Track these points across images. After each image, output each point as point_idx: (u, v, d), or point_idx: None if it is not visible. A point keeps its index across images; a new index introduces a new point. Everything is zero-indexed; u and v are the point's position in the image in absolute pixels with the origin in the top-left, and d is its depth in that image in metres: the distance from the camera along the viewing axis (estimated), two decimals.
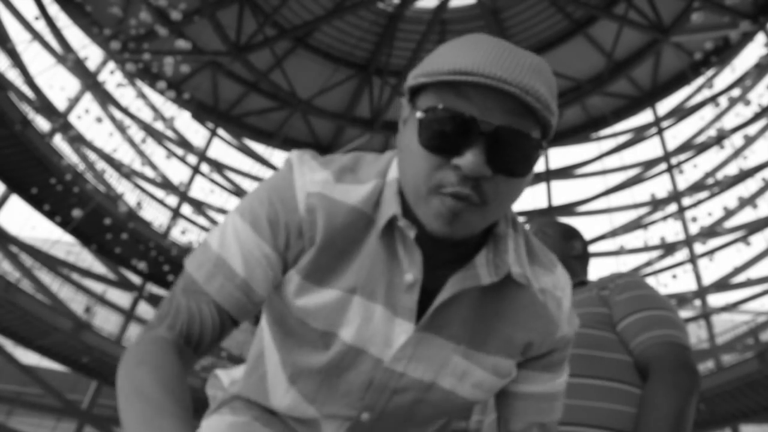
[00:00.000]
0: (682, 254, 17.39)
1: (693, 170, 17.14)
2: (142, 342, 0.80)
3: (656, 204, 17.80)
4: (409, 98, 0.81)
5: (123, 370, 0.76)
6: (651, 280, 16.90)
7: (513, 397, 0.98)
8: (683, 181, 17.38)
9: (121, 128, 17.61)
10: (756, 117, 15.14)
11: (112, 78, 17.07)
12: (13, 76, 14.45)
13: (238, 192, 20.40)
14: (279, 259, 0.87)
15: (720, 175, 16.31)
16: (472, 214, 0.76)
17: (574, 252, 1.89)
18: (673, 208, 17.56)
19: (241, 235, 0.86)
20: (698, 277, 16.87)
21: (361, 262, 0.87)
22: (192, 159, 19.85)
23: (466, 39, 0.79)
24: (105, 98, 17.20)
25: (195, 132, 20.11)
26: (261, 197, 0.88)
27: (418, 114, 0.76)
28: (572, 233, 1.94)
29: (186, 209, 19.55)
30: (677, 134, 18.20)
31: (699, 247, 16.83)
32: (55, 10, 15.36)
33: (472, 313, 0.88)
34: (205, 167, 20.19)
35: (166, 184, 19.19)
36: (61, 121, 15.39)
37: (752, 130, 15.30)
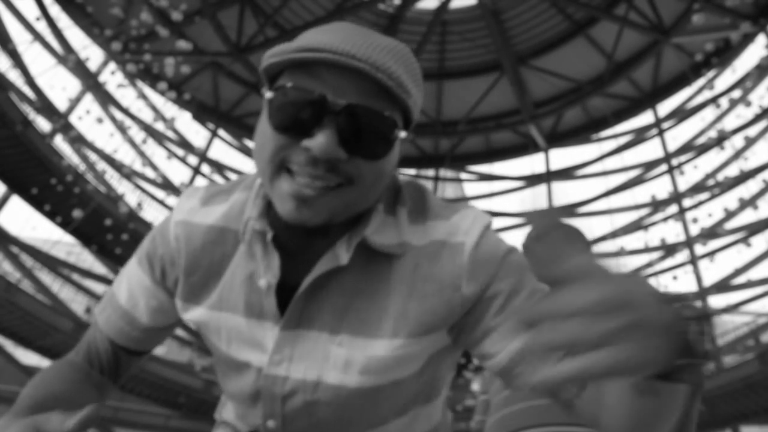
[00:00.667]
0: (682, 255, 17.37)
1: (694, 171, 17.10)
2: (55, 364, 0.97)
3: (657, 205, 17.78)
4: (266, 84, 0.79)
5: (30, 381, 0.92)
6: (651, 282, 16.85)
7: (510, 369, 0.79)
8: (684, 183, 17.36)
9: (122, 129, 17.61)
10: (757, 118, 15.12)
11: (112, 79, 17.06)
12: (14, 76, 14.45)
13: None
14: (159, 289, 0.95)
15: (721, 177, 16.29)
16: (329, 199, 0.73)
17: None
18: (673, 209, 17.54)
19: (129, 272, 0.98)
20: (699, 279, 16.85)
21: (226, 277, 0.88)
22: (193, 160, 19.85)
23: (327, 24, 0.78)
24: (106, 99, 17.19)
25: (196, 133, 20.13)
26: (149, 236, 0.97)
27: (268, 94, 0.74)
28: (573, 233, 1.93)
29: None
30: (678, 135, 18.23)
31: (700, 249, 16.81)
32: (56, 11, 15.36)
33: (348, 299, 0.83)
34: (205, 168, 20.18)
35: (166, 185, 19.19)
36: (61, 121, 15.38)
37: (753, 131, 15.28)
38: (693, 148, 17.39)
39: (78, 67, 15.83)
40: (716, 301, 16.87)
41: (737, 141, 15.67)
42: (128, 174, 17.82)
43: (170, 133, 19.10)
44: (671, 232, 17.68)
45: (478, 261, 0.81)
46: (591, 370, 0.46)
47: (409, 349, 0.82)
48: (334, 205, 0.73)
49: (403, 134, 0.75)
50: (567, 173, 19.88)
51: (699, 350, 0.57)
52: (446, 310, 0.81)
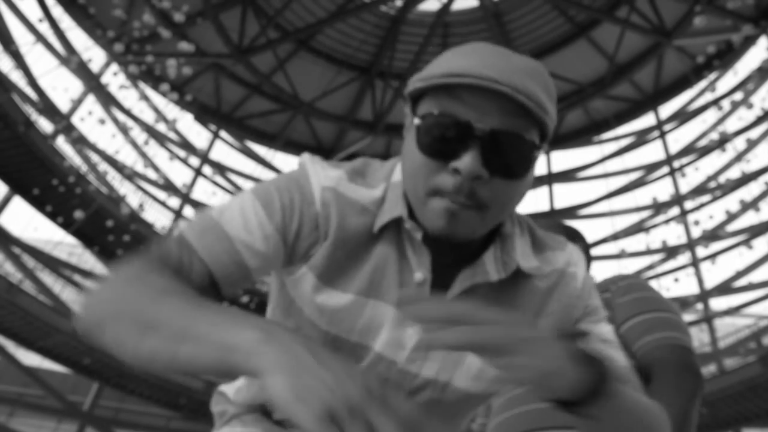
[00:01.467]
0: (684, 258, 17.35)
1: (695, 173, 17.09)
2: (135, 263, 0.77)
3: (658, 207, 17.77)
4: (410, 106, 0.83)
5: (119, 281, 0.74)
6: (653, 284, 16.86)
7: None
8: (685, 185, 17.36)
9: (124, 130, 17.63)
10: (758, 120, 15.12)
11: (115, 80, 17.09)
12: (17, 77, 14.48)
13: None
14: (280, 243, 0.85)
15: (722, 179, 16.29)
16: (471, 216, 0.77)
17: None
18: (675, 211, 17.53)
19: (247, 209, 0.85)
20: (700, 281, 16.83)
21: (373, 264, 0.87)
22: (194, 161, 19.86)
23: (464, 45, 0.82)
24: (108, 100, 17.22)
25: (197, 134, 20.16)
26: (279, 184, 0.87)
27: (416, 120, 0.79)
28: (574, 235, 1.94)
29: (188, 211, 19.55)
30: (679, 137, 18.15)
31: (701, 251, 16.80)
32: (58, 12, 15.40)
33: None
34: (207, 169, 20.20)
35: (168, 186, 19.21)
36: (63, 122, 15.41)
37: (755, 133, 15.29)
38: (694, 151, 17.39)
39: (80, 69, 15.86)
40: (718, 303, 16.84)
41: (739, 143, 15.68)
42: (130, 175, 17.84)
43: (172, 135, 19.12)
44: (673, 234, 17.68)
45: (585, 290, 0.94)
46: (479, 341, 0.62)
47: None
48: (475, 223, 0.78)
49: (539, 153, 0.80)
50: (568, 175, 19.89)
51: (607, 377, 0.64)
52: (565, 327, 0.93)
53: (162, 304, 0.66)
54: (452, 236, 0.78)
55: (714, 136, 15.96)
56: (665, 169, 18.01)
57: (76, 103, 16.29)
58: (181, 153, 19.51)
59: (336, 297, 0.88)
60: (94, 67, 16.58)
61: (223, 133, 20.23)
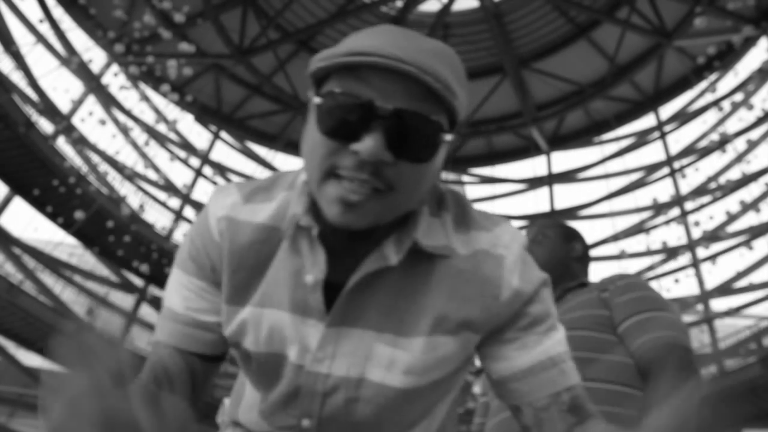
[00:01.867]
0: (684, 258, 17.34)
1: (695, 174, 17.09)
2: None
3: (659, 208, 17.77)
4: (313, 88, 0.80)
5: None
6: (653, 285, 16.86)
7: (507, 381, 0.86)
8: (686, 186, 17.35)
9: (125, 131, 17.64)
10: (759, 121, 15.12)
11: (115, 80, 17.11)
12: (18, 78, 14.50)
13: None
14: (211, 287, 0.91)
15: (723, 180, 16.29)
16: (376, 203, 0.74)
17: (574, 253, 1.89)
18: (675, 212, 17.53)
19: (177, 280, 0.93)
20: (701, 282, 16.83)
21: (271, 274, 0.87)
22: (195, 161, 19.87)
23: (372, 27, 0.79)
24: (108, 101, 17.23)
25: (198, 135, 20.15)
26: (186, 241, 0.92)
27: (317, 99, 0.75)
28: (573, 235, 1.93)
29: (188, 212, 19.56)
30: (680, 138, 18.13)
31: (701, 252, 16.78)
32: (59, 13, 15.41)
33: (392, 298, 0.84)
34: (207, 170, 20.21)
35: (168, 187, 19.22)
36: (64, 123, 15.42)
37: (755, 134, 15.29)
38: (695, 151, 17.39)
39: (81, 69, 15.88)
40: (718, 304, 16.83)
41: (739, 144, 15.68)
42: (130, 176, 17.85)
43: (172, 135, 19.13)
44: (673, 235, 17.66)
45: (518, 276, 0.85)
46: None
47: (447, 349, 0.85)
48: (378, 210, 0.75)
49: (448, 137, 0.76)
50: (569, 176, 19.88)
51: None
52: (484, 316, 0.85)
53: None
54: (349, 226, 0.75)
55: (714, 137, 15.96)
56: (666, 170, 18.01)
57: (77, 104, 16.30)
58: (182, 154, 19.53)
59: (239, 313, 0.89)
60: (95, 67, 16.60)
61: (223, 134, 20.24)
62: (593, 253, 19.13)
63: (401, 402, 0.87)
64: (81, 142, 16.11)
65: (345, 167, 0.73)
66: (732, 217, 15.91)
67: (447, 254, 0.84)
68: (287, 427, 0.92)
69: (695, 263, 17.00)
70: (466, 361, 0.92)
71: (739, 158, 15.90)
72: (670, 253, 17.48)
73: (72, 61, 15.11)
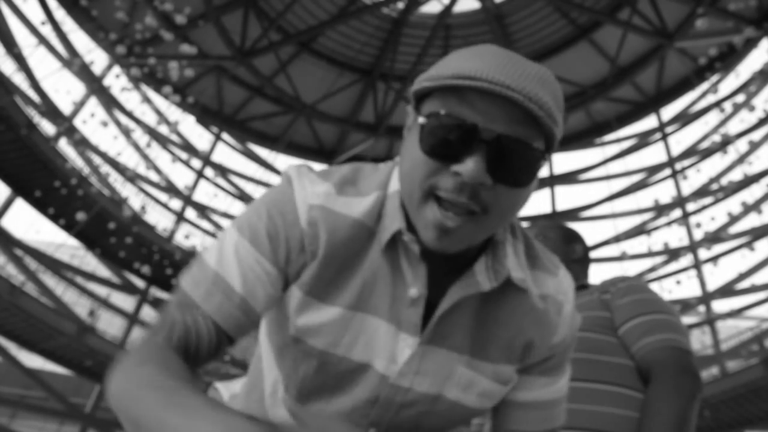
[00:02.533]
0: (686, 260, 17.33)
1: (697, 176, 17.08)
2: (140, 348, 0.76)
3: (660, 209, 17.76)
4: (414, 105, 0.80)
5: (123, 374, 0.71)
6: (655, 286, 16.84)
7: (512, 406, 0.94)
8: (687, 187, 17.34)
9: (126, 132, 17.66)
10: (760, 123, 15.11)
11: (117, 82, 17.13)
12: (19, 80, 14.52)
13: (242, 196, 20.42)
14: (279, 275, 0.84)
15: (724, 181, 16.27)
16: (471, 227, 0.75)
17: (574, 255, 1.89)
18: (677, 213, 17.52)
19: (240, 251, 0.84)
20: (702, 283, 16.81)
21: (364, 277, 0.85)
22: (196, 163, 19.89)
23: (474, 47, 0.79)
24: (110, 102, 17.25)
25: (199, 136, 20.19)
26: (260, 211, 0.85)
27: (420, 119, 0.76)
28: (573, 236, 1.94)
29: (190, 213, 19.58)
30: (681, 140, 18.11)
31: (703, 253, 16.77)
32: (61, 15, 15.44)
33: (473, 322, 0.87)
34: (209, 171, 20.23)
35: (170, 188, 19.23)
36: (66, 124, 15.45)
37: (757, 135, 15.27)
38: (696, 153, 17.38)
39: (82, 71, 15.90)
40: (720, 305, 16.81)
41: (741, 145, 15.67)
42: (132, 177, 17.87)
43: (174, 137, 19.15)
44: (675, 236, 17.65)
45: (567, 326, 0.92)
46: None
47: (509, 377, 0.91)
48: (471, 234, 0.76)
49: (544, 163, 0.78)
50: (570, 177, 19.88)
51: None
52: (533, 353, 0.91)
53: (143, 404, 0.64)
54: (444, 250, 0.76)
55: (716, 138, 15.95)
56: (667, 171, 18.00)
57: (79, 106, 16.32)
58: (183, 155, 19.55)
59: (323, 311, 0.86)
60: (97, 69, 16.62)
61: (225, 135, 20.26)
62: (595, 254, 19.13)
63: (464, 418, 0.92)
64: (83, 144, 16.13)
65: (445, 189, 0.73)
66: (734, 219, 15.90)
67: (525, 288, 0.87)
68: None
69: (697, 265, 16.99)
70: None
71: (741, 159, 15.89)
72: (672, 254, 17.47)
73: (74, 62, 15.14)
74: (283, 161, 20.86)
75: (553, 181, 19.81)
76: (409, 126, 0.82)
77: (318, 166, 0.91)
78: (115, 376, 0.71)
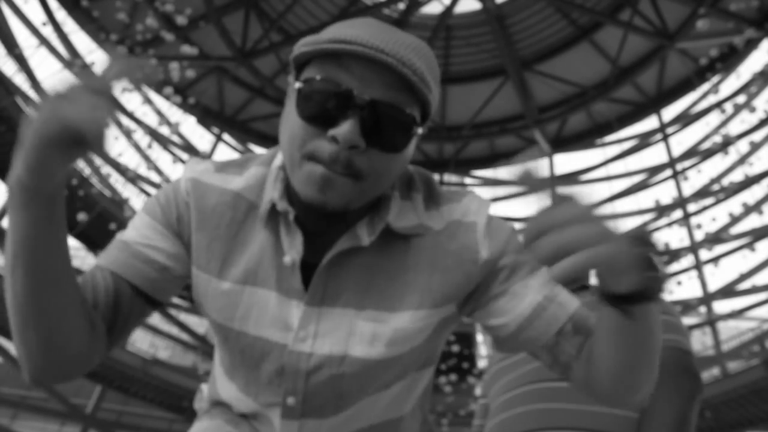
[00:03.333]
0: (687, 261, 17.32)
1: (698, 176, 17.07)
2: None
3: (661, 210, 17.75)
4: (293, 72, 0.83)
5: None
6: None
7: (516, 334, 0.89)
8: (688, 188, 17.33)
9: (127, 133, 17.67)
10: (761, 124, 15.09)
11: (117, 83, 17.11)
12: (20, 80, 14.53)
13: None
14: (173, 236, 0.92)
15: (725, 182, 16.26)
16: (346, 185, 0.77)
17: None
18: (678, 214, 17.50)
19: (137, 220, 0.95)
20: (703, 284, 16.79)
21: (251, 251, 0.89)
22: None
23: (355, 18, 0.84)
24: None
25: (200, 137, 20.15)
26: (157, 193, 0.96)
27: (297, 84, 0.79)
28: None
29: None
30: (682, 140, 18.12)
31: (704, 254, 16.76)
32: (62, 16, 15.45)
33: (370, 276, 0.88)
34: None
35: None
36: None
37: (758, 136, 15.26)
38: (697, 153, 17.36)
39: (84, 72, 15.88)
40: (721, 306, 16.80)
41: (742, 146, 15.66)
42: (133, 178, 17.87)
43: (175, 138, 19.16)
44: (676, 237, 17.65)
45: (489, 237, 0.91)
46: (585, 263, 0.60)
47: (430, 321, 0.90)
48: (350, 192, 0.78)
49: (419, 130, 0.80)
50: (571, 178, 19.86)
51: (661, 271, 0.65)
52: (465, 281, 0.90)
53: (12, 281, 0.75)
54: (325, 204, 0.78)
55: (717, 138, 15.94)
56: (668, 172, 17.99)
57: None
58: (184, 156, 19.54)
59: (215, 286, 0.90)
60: (98, 70, 16.60)
61: (226, 136, 20.26)
62: None
63: (382, 370, 0.91)
64: None
65: (322, 154, 0.76)
66: (735, 219, 15.88)
67: (420, 233, 0.89)
68: (273, 404, 0.94)
69: (698, 265, 16.97)
70: (444, 327, 0.96)
71: (742, 160, 15.88)
72: (673, 255, 17.44)
73: (75, 63, 15.15)
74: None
75: (554, 181, 19.77)
76: (289, 93, 0.84)
77: None
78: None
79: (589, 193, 0.67)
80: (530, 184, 0.67)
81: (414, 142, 0.83)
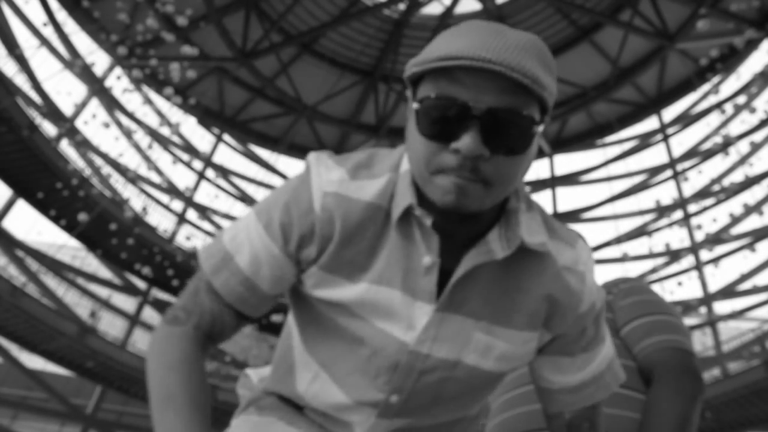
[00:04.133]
0: (687, 261, 17.32)
1: (698, 177, 17.07)
2: (172, 337, 0.92)
3: (661, 211, 17.75)
4: (411, 91, 0.84)
5: (155, 370, 0.89)
6: (656, 287, 16.82)
7: (557, 393, 1.02)
8: (689, 188, 17.33)
9: (128, 133, 17.68)
10: (762, 124, 15.10)
11: (118, 83, 17.15)
12: (21, 81, 14.53)
13: (244, 197, 20.44)
14: (288, 261, 0.92)
15: (726, 182, 16.26)
16: (477, 190, 0.78)
17: None
18: (678, 214, 17.50)
19: (252, 234, 0.93)
20: (704, 285, 16.80)
21: (379, 253, 0.90)
22: (198, 164, 19.91)
23: (458, 26, 0.83)
24: (111, 104, 17.27)
25: (201, 137, 20.15)
26: (278, 200, 0.93)
27: (415, 105, 0.80)
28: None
29: (191, 214, 19.60)
30: (683, 141, 18.14)
31: (705, 254, 16.76)
32: (63, 16, 15.46)
33: (492, 289, 0.90)
34: (210, 173, 20.24)
35: (171, 190, 19.25)
36: (67, 126, 15.46)
37: (758, 136, 15.27)
38: (698, 154, 17.37)
39: (84, 72, 15.92)
40: (721, 307, 16.80)
41: (742, 146, 15.66)
42: (133, 178, 17.88)
43: (175, 138, 19.17)
44: (676, 237, 17.64)
45: (591, 293, 0.95)
46: None
47: (533, 344, 0.95)
48: (483, 195, 0.79)
49: (540, 128, 0.81)
50: (572, 179, 19.87)
51: None
52: (562, 322, 0.94)
53: (159, 418, 0.84)
54: (461, 209, 0.79)
55: (717, 139, 15.95)
56: (668, 173, 17.99)
57: (80, 107, 16.34)
58: (185, 156, 19.56)
59: (343, 287, 0.91)
60: (98, 70, 16.64)
61: (226, 137, 20.28)
62: (596, 255, 19.09)
63: (485, 383, 0.96)
64: (84, 145, 16.15)
65: (449, 168, 0.78)
66: (735, 220, 15.88)
67: (546, 251, 0.90)
68: (369, 403, 0.96)
69: (698, 266, 16.97)
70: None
71: (742, 161, 15.89)
72: (673, 255, 17.46)
73: (75, 64, 15.16)
74: (284, 162, 20.87)
75: (555, 182, 19.80)
76: (408, 113, 0.85)
77: None
78: (150, 368, 0.90)
79: None
80: None
81: (536, 142, 0.83)
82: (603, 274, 23.78)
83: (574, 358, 0.98)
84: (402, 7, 16.62)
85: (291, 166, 21.06)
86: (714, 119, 16.82)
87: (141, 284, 18.78)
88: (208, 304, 0.94)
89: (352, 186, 0.91)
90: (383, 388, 0.94)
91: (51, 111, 15.36)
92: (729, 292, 16.51)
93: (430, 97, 0.78)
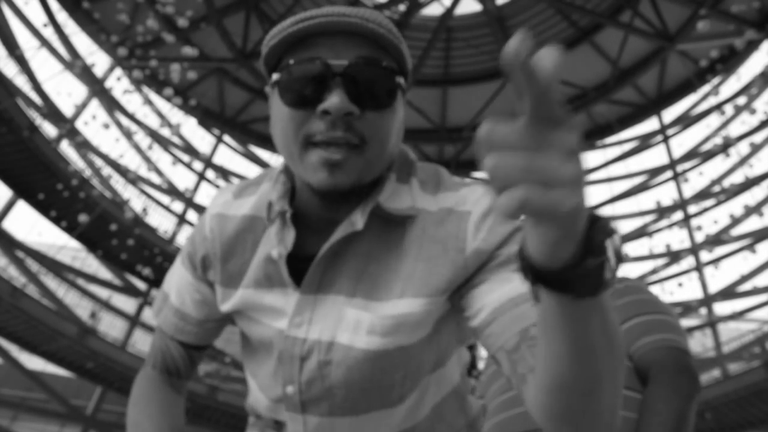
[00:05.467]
0: (687, 262, 17.31)
1: (699, 178, 17.07)
2: (138, 380, 1.07)
3: (662, 212, 17.74)
4: (266, 71, 0.84)
5: (128, 408, 1.04)
6: (656, 288, 16.83)
7: (485, 327, 0.79)
8: (689, 189, 17.33)
9: (128, 134, 17.68)
10: (762, 125, 15.10)
11: (119, 84, 17.14)
12: (21, 82, 14.54)
13: None
14: (201, 283, 1.01)
15: (726, 183, 16.26)
16: (355, 160, 0.78)
17: None
18: (678, 215, 17.50)
19: (175, 271, 1.06)
20: (704, 286, 16.79)
21: (256, 258, 0.94)
22: (198, 165, 19.90)
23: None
24: (112, 104, 17.27)
25: (201, 138, 20.13)
26: (189, 238, 1.04)
27: (275, 76, 0.80)
28: None
29: (191, 215, 19.59)
30: (683, 142, 18.14)
31: (705, 255, 16.75)
32: (63, 17, 15.46)
33: (364, 263, 0.88)
34: (210, 173, 20.24)
35: (171, 191, 19.24)
36: (68, 127, 15.46)
37: (758, 137, 15.27)
38: (698, 155, 17.36)
39: (84, 73, 15.92)
40: (721, 308, 16.79)
41: (742, 147, 15.66)
42: (134, 179, 17.88)
43: (175, 139, 19.17)
44: (676, 238, 17.64)
45: (486, 228, 0.83)
46: (529, 202, 0.42)
47: (412, 311, 0.84)
48: (359, 166, 0.79)
49: (403, 81, 0.82)
50: None
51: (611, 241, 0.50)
52: (451, 272, 0.83)
53: (130, 415, 1.01)
54: (336, 186, 0.79)
55: (717, 140, 15.94)
56: (669, 174, 17.99)
57: (80, 108, 16.34)
58: (185, 157, 19.55)
59: (235, 297, 0.96)
60: (98, 71, 16.64)
61: (226, 138, 20.27)
62: None
63: (370, 366, 0.86)
64: (84, 146, 16.15)
65: (319, 132, 0.77)
66: (735, 221, 15.88)
67: (412, 214, 0.86)
68: (276, 398, 0.97)
69: (698, 267, 16.97)
70: (442, 326, 0.90)
71: (742, 162, 15.88)
72: (673, 256, 17.45)
73: (75, 65, 15.16)
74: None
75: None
76: (270, 96, 0.85)
77: None
78: (128, 409, 1.04)
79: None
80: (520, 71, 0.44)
81: (402, 101, 0.84)
82: None
83: (485, 283, 0.81)
84: (402, 8, 16.60)
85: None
86: (714, 120, 16.82)
87: (141, 285, 18.77)
88: (158, 343, 1.07)
89: (234, 205, 0.97)
90: (279, 381, 0.94)
91: (51, 112, 15.36)
92: (729, 293, 16.50)
93: (289, 64, 0.78)
